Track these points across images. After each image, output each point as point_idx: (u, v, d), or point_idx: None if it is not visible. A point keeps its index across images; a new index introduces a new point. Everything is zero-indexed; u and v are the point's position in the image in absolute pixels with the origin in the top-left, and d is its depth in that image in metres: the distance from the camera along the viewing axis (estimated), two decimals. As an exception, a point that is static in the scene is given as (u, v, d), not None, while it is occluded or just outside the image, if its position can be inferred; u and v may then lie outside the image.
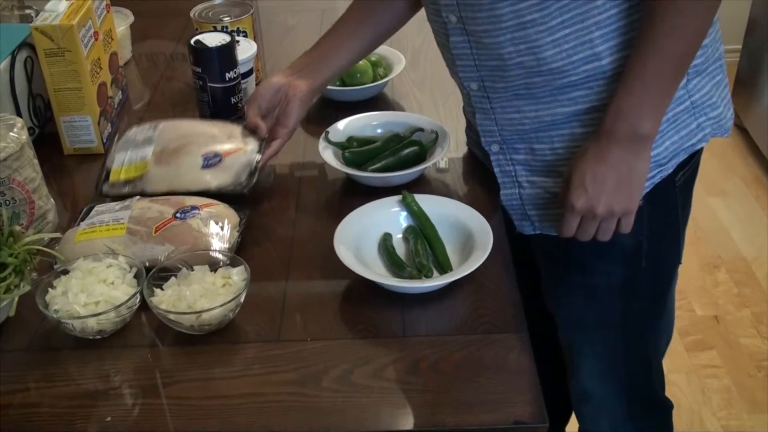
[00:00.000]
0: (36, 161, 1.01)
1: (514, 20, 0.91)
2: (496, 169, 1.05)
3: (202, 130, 1.10)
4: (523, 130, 1.00)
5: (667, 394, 1.22)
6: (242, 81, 1.16)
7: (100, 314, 0.84)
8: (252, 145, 1.08)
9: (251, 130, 1.10)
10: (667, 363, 1.19)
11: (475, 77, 1.00)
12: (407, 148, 1.10)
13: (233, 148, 1.08)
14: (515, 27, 0.92)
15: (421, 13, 1.17)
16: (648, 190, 0.98)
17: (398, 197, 1.00)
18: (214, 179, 1.04)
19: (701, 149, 1.01)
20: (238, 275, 0.88)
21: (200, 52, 1.10)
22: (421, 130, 1.13)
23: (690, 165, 1.02)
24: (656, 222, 1.02)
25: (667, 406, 1.23)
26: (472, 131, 1.12)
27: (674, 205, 1.04)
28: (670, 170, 0.99)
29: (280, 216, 1.06)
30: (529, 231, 1.07)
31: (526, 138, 1.01)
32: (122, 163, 1.08)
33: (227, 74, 1.12)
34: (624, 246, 1.02)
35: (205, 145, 1.07)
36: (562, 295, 1.12)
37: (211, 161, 1.05)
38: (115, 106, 1.27)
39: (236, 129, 1.11)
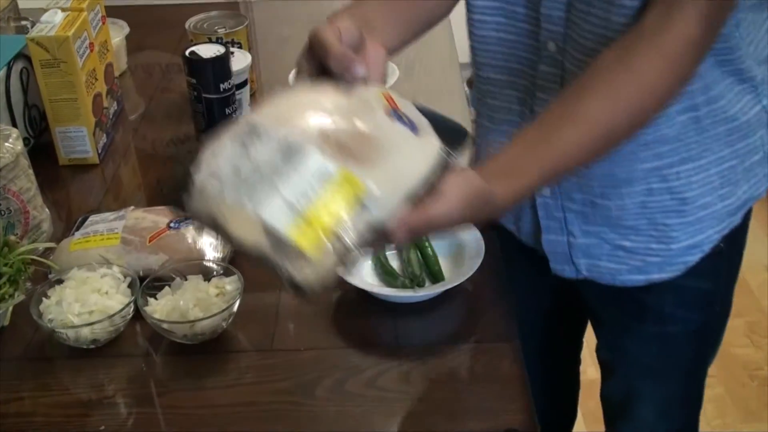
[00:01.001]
0: (31, 171, 1.02)
1: None
2: (540, 212, 0.96)
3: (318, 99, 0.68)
4: (588, 185, 0.91)
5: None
6: (237, 92, 1.17)
7: (94, 324, 0.84)
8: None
9: (340, 69, 0.70)
10: (660, 372, 1.20)
11: None
12: (400, 159, 1.10)
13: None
14: None
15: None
16: (714, 245, 0.95)
17: (391, 207, 1.00)
18: (432, 149, 0.67)
19: None
20: (231, 285, 0.89)
21: (195, 63, 1.11)
22: (415, 140, 1.14)
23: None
24: (732, 264, 1.01)
25: None
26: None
27: (743, 244, 1.02)
28: (738, 221, 0.96)
29: (274, 226, 1.06)
30: (570, 275, 0.99)
31: (588, 191, 0.92)
32: (293, 211, 0.60)
33: (222, 85, 1.13)
34: (705, 291, 0.99)
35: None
36: (631, 344, 1.05)
37: (407, 120, 0.68)
38: (111, 117, 1.28)
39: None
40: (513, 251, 1.01)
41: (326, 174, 0.59)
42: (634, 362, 1.07)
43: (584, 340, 1.26)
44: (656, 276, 0.96)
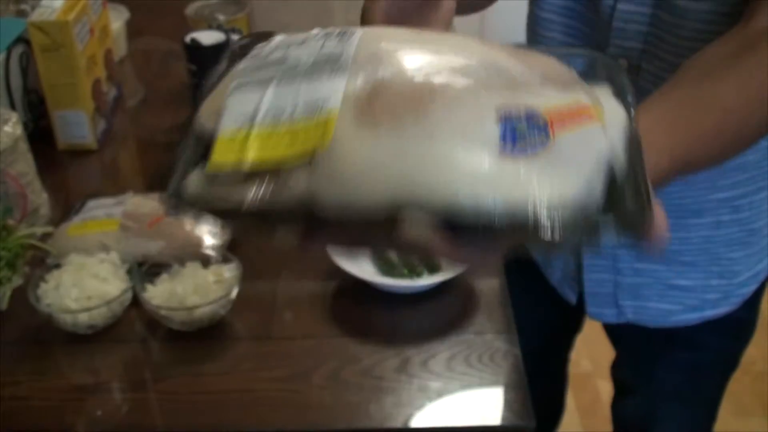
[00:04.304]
0: (30, 156, 1.02)
1: None
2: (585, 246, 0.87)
3: (474, 51, 0.48)
4: None
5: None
6: (237, 79, 1.17)
7: (91, 309, 0.84)
8: (610, 103, 0.49)
9: None
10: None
11: None
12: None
13: (571, 106, 0.46)
14: None
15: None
16: (747, 297, 0.92)
17: (390, 197, 1.00)
18: (526, 185, 0.42)
19: None
20: (229, 272, 0.89)
21: (195, 50, 1.11)
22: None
23: None
24: (764, 287, 0.96)
25: None
26: None
27: None
28: (764, 276, 0.92)
29: (273, 214, 1.06)
30: (610, 320, 0.95)
31: None
32: (249, 119, 0.46)
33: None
34: (741, 318, 0.95)
35: (496, 89, 0.46)
36: (658, 369, 1.01)
37: (523, 137, 0.43)
38: (110, 103, 1.28)
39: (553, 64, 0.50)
40: (513, 261, 0.96)
41: (322, 104, 0.45)
42: (659, 387, 1.03)
43: (579, 336, 1.27)
44: (711, 312, 0.92)
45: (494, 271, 0.94)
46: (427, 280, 0.91)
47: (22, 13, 1.31)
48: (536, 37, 0.86)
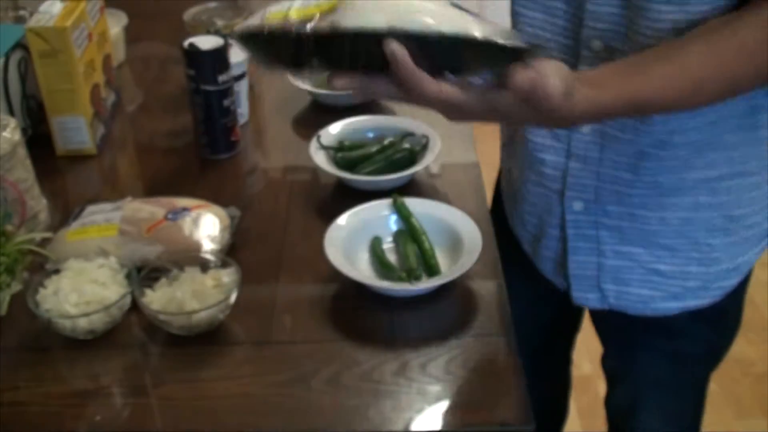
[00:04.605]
0: (28, 161, 1.02)
1: None
2: (570, 231, 0.92)
3: None
4: (629, 194, 0.88)
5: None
6: (235, 84, 1.17)
7: (90, 314, 0.84)
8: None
9: None
10: (654, 368, 1.20)
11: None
12: (398, 153, 1.11)
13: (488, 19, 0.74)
14: None
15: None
16: (729, 290, 0.93)
17: (389, 201, 1.01)
18: (464, 19, 0.70)
19: None
20: (228, 277, 0.89)
21: (193, 55, 1.11)
22: (412, 134, 1.14)
23: None
24: (748, 279, 0.97)
25: None
26: (532, 172, 0.96)
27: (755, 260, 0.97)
28: (747, 270, 0.94)
29: (271, 218, 1.06)
30: (595, 305, 0.96)
31: (629, 202, 0.88)
32: (288, 5, 0.72)
33: (220, 77, 1.13)
34: (720, 308, 0.95)
35: None
36: (641, 358, 1.03)
37: (462, 7, 0.73)
38: (108, 108, 1.28)
39: None
40: (510, 258, 0.98)
41: None
42: (642, 375, 1.04)
43: (580, 337, 1.27)
44: (692, 303, 0.93)
45: (493, 273, 0.94)
46: (425, 284, 0.91)
47: (20, 19, 1.32)
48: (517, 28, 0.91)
